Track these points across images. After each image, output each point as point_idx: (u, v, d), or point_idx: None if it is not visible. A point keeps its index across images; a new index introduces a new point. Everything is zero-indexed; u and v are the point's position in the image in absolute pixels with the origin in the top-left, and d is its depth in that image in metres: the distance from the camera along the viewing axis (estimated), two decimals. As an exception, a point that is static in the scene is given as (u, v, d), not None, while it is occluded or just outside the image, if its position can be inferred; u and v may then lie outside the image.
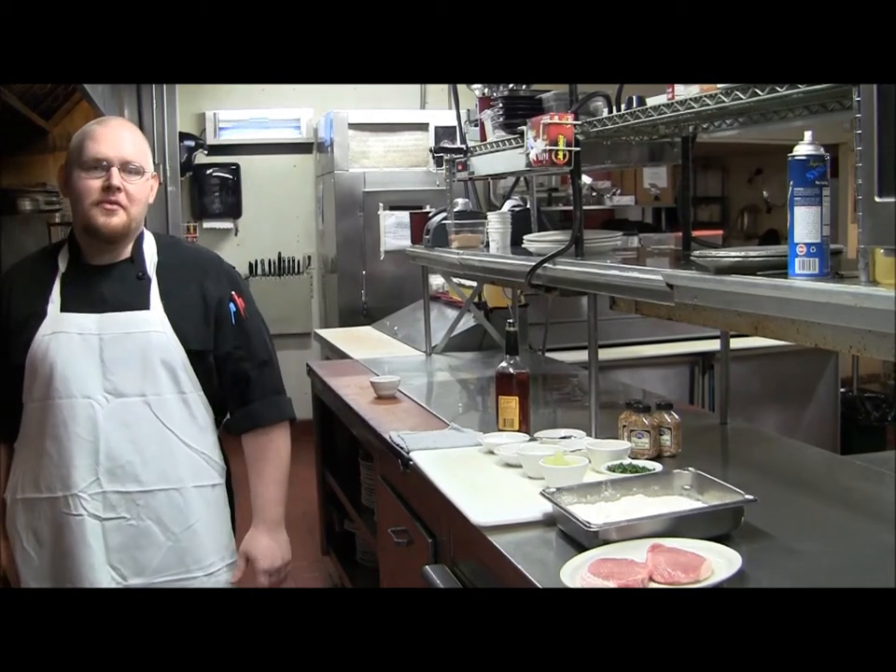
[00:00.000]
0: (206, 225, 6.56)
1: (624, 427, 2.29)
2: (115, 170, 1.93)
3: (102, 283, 1.99)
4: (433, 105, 6.66)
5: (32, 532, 1.99)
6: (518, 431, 2.43)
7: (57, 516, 1.95)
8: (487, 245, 3.33)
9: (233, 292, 2.10)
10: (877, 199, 1.33)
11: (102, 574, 1.94)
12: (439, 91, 6.51)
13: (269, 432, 2.13)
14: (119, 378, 1.95)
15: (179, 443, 2.00)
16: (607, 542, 1.68)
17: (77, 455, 1.93)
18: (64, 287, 1.99)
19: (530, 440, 2.37)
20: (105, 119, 2.13)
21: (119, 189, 1.93)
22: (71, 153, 1.97)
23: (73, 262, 2.02)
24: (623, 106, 2.28)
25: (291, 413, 2.19)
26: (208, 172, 6.51)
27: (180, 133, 6.11)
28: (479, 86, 3.27)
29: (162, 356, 1.97)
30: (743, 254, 1.76)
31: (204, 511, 2.04)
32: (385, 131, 6.08)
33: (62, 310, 1.97)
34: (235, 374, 2.09)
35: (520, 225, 3.26)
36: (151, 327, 1.98)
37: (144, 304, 1.99)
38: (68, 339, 1.94)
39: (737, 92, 1.77)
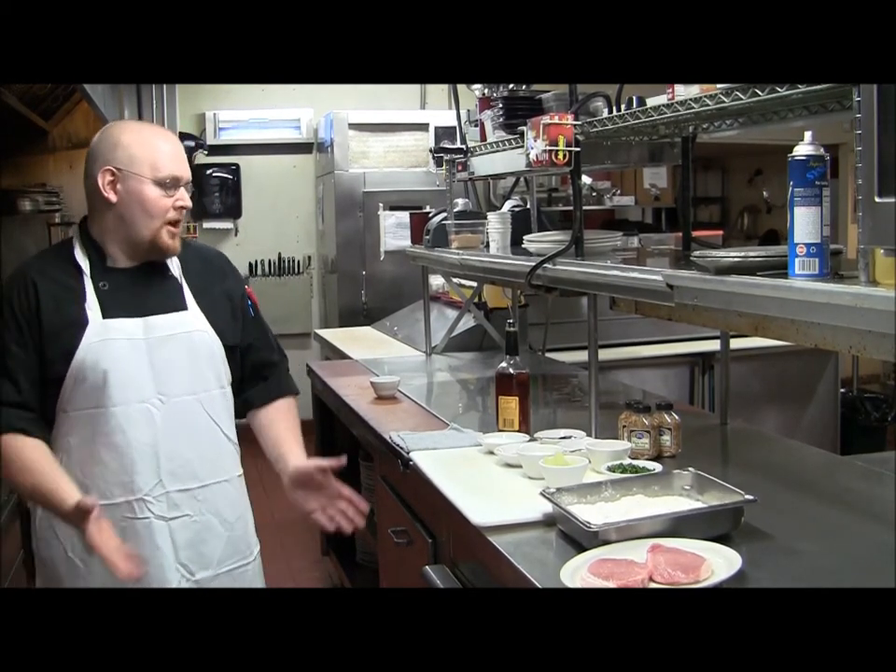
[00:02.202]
0: (206, 225, 6.56)
1: (624, 427, 2.29)
2: (183, 189, 1.98)
3: (137, 286, 1.99)
4: (433, 106, 6.66)
5: (79, 540, 1.92)
6: (518, 431, 2.43)
7: (114, 522, 1.90)
8: (487, 246, 3.33)
9: (246, 286, 2.21)
10: (877, 199, 1.33)
11: (171, 573, 1.96)
12: (439, 91, 6.51)
13: (285, 402, 2.22)
14: (171, 379, 1.97)
15: (223, 436, 2.06)
16: (607, 543, 1.68)
17: (138, 460, 1.93)
18: (100, 293, 1.97)
19: (530, 440, 2.37)
20: (153, 129, 2.07)
21: (189, 209, 1.99)
22: (134, 163, 1.93)
23: (97, 266, 1.99)
24: (622, 107, 2.28)
25: (297, 388, 2.30)
26: (208, 172, 6.51)
27: (180, 133, 6.11)
28: (479, 86, 3.27)
29: (206, 353, 2.02)
30: (743, 254, 1.76)
31: (245, 498, 2.12)
32: (385, 131, 6.08)
33: (104, 317, 1.95)
34: (258, 361, 2.17)
35: (520, 225, 3.26)
36: (193, 326, 2.01)
37: (181, 305, 2.02)
38: (117, 345, 1.93)
39: (737, 93, 1.77)
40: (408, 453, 2.39)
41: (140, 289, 1.99)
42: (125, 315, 1.96)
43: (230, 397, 2.10)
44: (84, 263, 1.98)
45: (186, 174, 1.99)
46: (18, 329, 1.92)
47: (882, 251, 1.40)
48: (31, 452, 1.90)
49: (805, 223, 1.54)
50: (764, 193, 7.66)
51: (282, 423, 2.17)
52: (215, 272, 2.14)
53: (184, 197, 1.98)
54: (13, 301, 1.94)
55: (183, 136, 6.10)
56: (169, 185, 1.95)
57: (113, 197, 1.94)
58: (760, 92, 1.71)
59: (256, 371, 2.17)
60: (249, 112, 6.59)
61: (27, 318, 1.92)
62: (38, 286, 1.94)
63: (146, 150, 1.94)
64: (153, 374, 1.95)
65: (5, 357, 1.92)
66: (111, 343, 1.93)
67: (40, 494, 1.90)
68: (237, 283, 2.17)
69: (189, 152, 6.10)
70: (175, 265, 2.05)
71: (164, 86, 5.93)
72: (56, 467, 1.90)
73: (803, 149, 1.55)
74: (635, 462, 2.12)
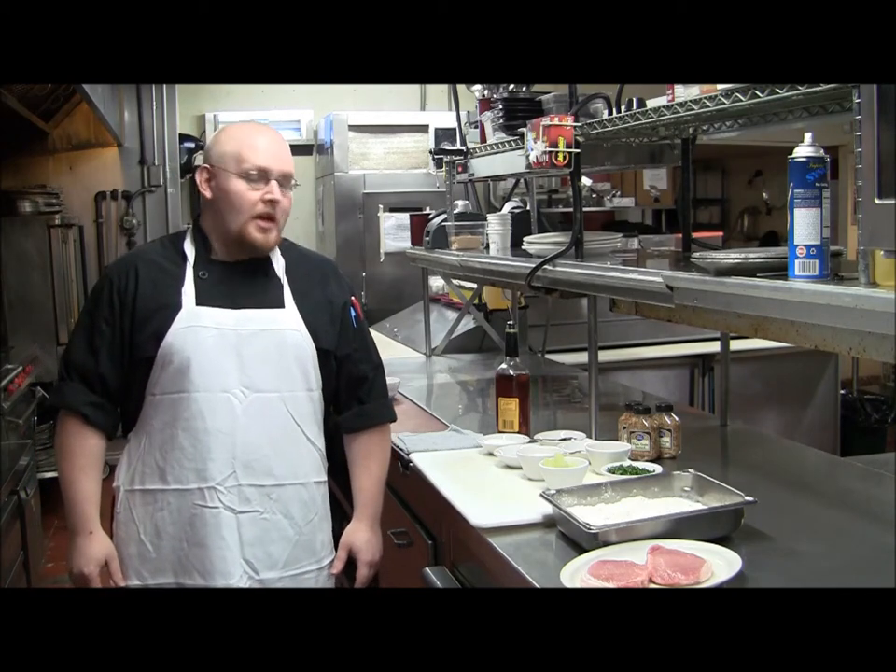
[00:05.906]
0: (206, 226, 6.54)
1: (624, 428, 2.29)
2: (275, 183, 1.97)
3: (236, 280, 2.02)
4: (433, 107, 6.66)
5: (152, 523, 1.98)
6: (518, 433, 2.43)
7: (186, 508, 1.96)
8: (487, 247, 3.33)
9: (352, 297, 2.18)
10: (877, 201, 1.33)
11: (235, 567, 1.96)
12: (439, 92, 6.51)
13: (380, 432, 2.19)
14: (257, 374, 1.98)
15: (305, 439, 2.05)
16: (606, 544, 1.68)
17: (214, 448, 1.94)
18: (198, 282, 2.00)
19: (530, 441, 2.37)
20: (254, 126, 2.06)
21: (277, 202, 1.98)
22: (223, 158, 1.97)
23: (201, 257, 2.03)
24: (622, 108, 2.28)
25: (395, 414, 2.27)
26: (208, 173, 6.50)
27: (180, 134, 6.12)
28: (479, 87, 3.27)
29: (296, 353, 2.02)
30: (743, 256, 1.76)
31: (321, 504, 2.11)
32: (385, 132, 6.08)
33: (197, 304, 1.97)
34: (354, 375, 2.15)
35: (520, 227, 3.26)
36: (287, 325, 2.02)
37: (279, 303, 2.03)
38: (206, 333, 1.95)
39: (737, 94, 1.77)
40: (408, 454, 2.39)
41: (239, 283, 2.02)
42: (219, 305, 1.98)
43: (318, 401, 2.08)
44: (191, 253, 2.04)
45: (277, 166, 1.97)
46: (111, 308, 1.99)
47: (882, 253, 1.40)
48: (79, 454, 1.99)
49: (804, 224, 1.55)
50: (764, 195, 7.66)
51: (366, 468, 2.17)
52: (319, 276, 2.14)
53: (273, 190, 1.97)
54: (113, 283, 2.01)
55: (183, 138, 6.11)
56: (255, 177, 1.96)
57: (208, 193, 2.00)
58: (760, 94, 1.71)
59: (351, 387, 2.15)
60: (249, 113, 6.56)
61: (122, 300, 1.99)
62: (139, 270, 2.01)
63: (233, 145, 1.97)
64: (239, 366, 1.97)
65: (93, 335, 2.00)
66: (199, 330, 1.96)
67: (66, 495, 1.98)
68: (341, 290, 2.15)
69: (189, 154, 6.10)
70: (279, 265, 2.08)
71: (164, 87, 5.93)
72: (92, 481, 2.00)
73: (803, 151, 1.56)
74: (635, 463, 2.11)
